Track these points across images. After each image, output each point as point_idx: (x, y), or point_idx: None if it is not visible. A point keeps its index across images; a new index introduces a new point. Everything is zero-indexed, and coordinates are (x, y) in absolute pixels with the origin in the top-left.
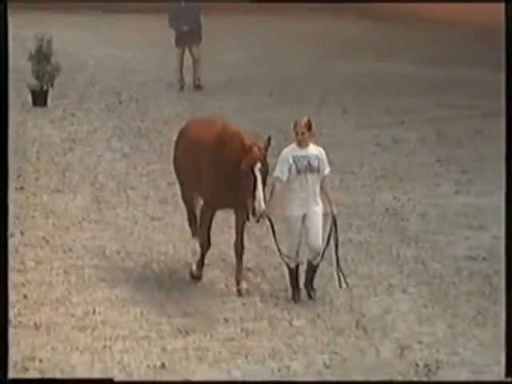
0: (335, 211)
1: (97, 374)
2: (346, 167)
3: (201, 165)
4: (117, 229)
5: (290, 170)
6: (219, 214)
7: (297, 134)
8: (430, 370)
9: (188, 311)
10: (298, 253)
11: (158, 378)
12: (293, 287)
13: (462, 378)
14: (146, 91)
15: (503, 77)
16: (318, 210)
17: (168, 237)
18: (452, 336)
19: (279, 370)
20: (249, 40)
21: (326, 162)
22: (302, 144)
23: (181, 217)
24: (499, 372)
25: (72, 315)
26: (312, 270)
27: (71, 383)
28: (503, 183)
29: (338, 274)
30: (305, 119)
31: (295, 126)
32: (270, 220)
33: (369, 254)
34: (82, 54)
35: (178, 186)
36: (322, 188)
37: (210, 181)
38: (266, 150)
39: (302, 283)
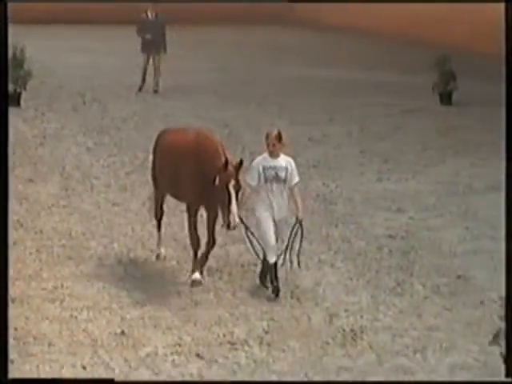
0: (301, 216)
1: (66, 340)
2: None
3: (179, 170)
4: (82, 213)
5: (259, 178)
6: (171, 199)
7: (268, 145)
8: (355, 334)
9: (144, 285)
10: (276, 249)
11: (119, 344)
12: (271, 282)
13: (383, 341)
14: (107, 93)
15: (420, 80)
16: (283, 215)
17: (127, 220)
18: (374, 304)
19: (224, 335)
20: (205, 49)
21: (294, 172)
22: (272, 154)
23: (138, 203)
24: (418, 335)
25: (43, 289)
26: (273, 268)
27: (71, 383)
28: (419, 169)
29: (297, 259)
30: (275, 131)
31: (267, 137)
32: (242, 222)
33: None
34: (52, 60)
35: (152, 186)
36: (291, 195)
37: (189, 186)
38: (239, 168)
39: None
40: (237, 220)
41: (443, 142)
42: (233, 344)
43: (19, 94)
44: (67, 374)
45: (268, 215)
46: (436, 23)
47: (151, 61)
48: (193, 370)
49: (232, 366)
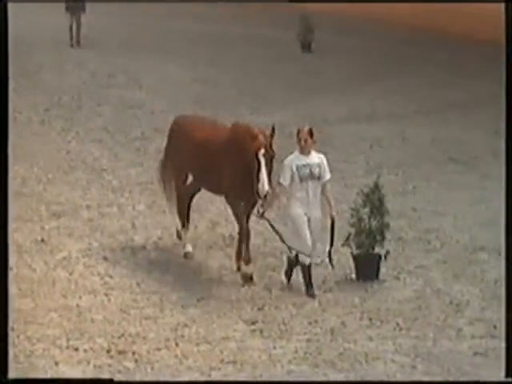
0: (334, 213)
1: None
2: None
3: (220, 165)
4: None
5: (292, 177)
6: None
7: (299, 141)
8: (233, 239)
9: (59, 200)
10: (312, 248)
11: (39, 249)
12: (306, 284)
13: (256, 244)
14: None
15: (289, 35)
16: (317, 214)
17: (46, 147)
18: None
19: (126, 241)
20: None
21: (326, 168)
22: (304, 151)
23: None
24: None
25: None
26: (306, 269)
27: (71, 383)
28: (284, 105)
29: (329, 259)
30: (307, 127)
31: (298, 133)
32: (269, 222)
33: None
34: None
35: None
36: (323, 192)
37: (230, 178)
38: (272, 137)
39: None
40: (266, 188)
41: (304, 82)
42: (133, 249)
43: None
44: None
45: (303, 213)
46: None
47: (75, 19)
48: (100, 270)
49: (132, 266)
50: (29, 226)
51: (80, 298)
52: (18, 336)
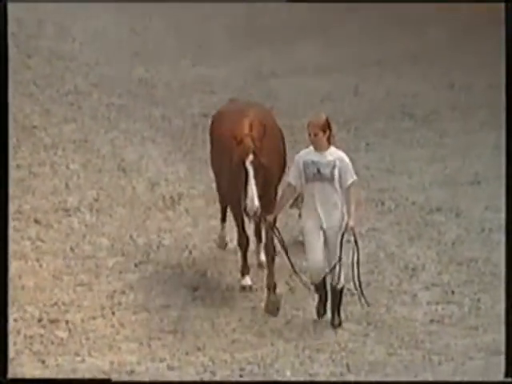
0: (352, 224)
1: None
2: None
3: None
4: None
5: (300, 176)
6: None
7: (309, 135)
8: (174, 200)
9: None
10: (323, 269)
11: None
12: (333, 311)
13: (198, 207)
14: None
15: None
16: (331, 225)
17: None
18: (191, 174)
19: (59, 202)
20: None
21: (347, 170)
22: (317, 147)
23: None
24: None
25: None
26: (334, 293)
27: (70, 383)
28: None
29: (358, 295)
30: (321, 118)
31: (308, 125)
32: (276, 230)
33: (125, 114)
34: None
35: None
36: (346, 198)
37: (220, 180)
38: (261, 140)
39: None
40: (256, 204)
41: (248, 31)
42: (67, 211)
43: None
44: None
45: (314, 224)
46: None
47: None
48: (31, 234)
49: (66, 229)
50: None
51: (9, 263)
52: None
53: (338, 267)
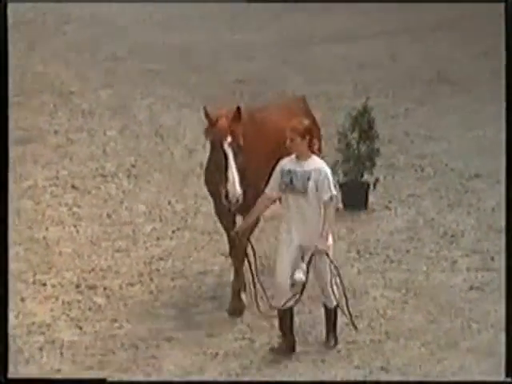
0: (321, 246)
1: None
2: None
3: None
4: None
5: (278, 185)
6: None
7: (287, 139)
8: None
9: (25, 125)
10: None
11: None
12: (328, 331)
13: None
14: None
15: None
16: (307, 243)
17: None
18: None
19: (97, 168)
20: None
21: (326, 183)
22: (298, 155)
23: None
24: None
25: None
26: (326, 313)
27: (67, 383)
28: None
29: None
30: (301, 122)
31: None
32: (248, 241)
33: (162, 80)
34: None
35: None
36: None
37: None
38: (238, 119)
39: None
40: (237, 189)
41: None
42: (104, 177)
43: None
44: None
45: (286, 239)
46: None
47: None
48: (69, 200)
49: (103, 195)
50: None
51: (47, 229)
52: None
53: (328, 287)
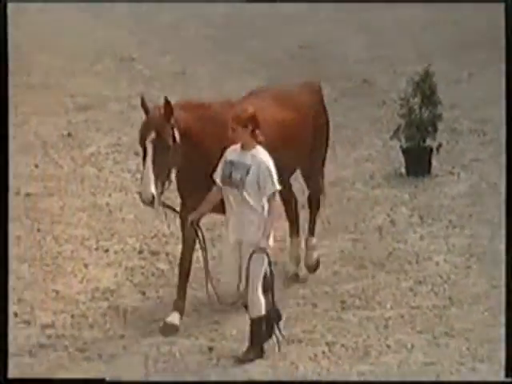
0: (264, 244)
1: (19, 142)
2: None
3: None
4: None
5: None
6: None
7: (230, 129)
8: None
9: (86, 92)
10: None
11: (66, 144)
12: (250, 340)
13: None
14: None
15: None
16: (243, 237)
17: None
18: None
19: None
20: None
21: (266, 177)
22: (243, 145)
23: None
24: None
25: None
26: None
27: (67, 383)
28: None
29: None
30: (244, 111)
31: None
32: (200, 230)
33: (223, 45)
34: None
35: None
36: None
37: None
38: (170, 114)
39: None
40: (150, 190)
41: None
42: None
43: None
44: (19, 170)
45: (229, 235)
46: None
47: None
48: (131, 167)
49: None
50: (53, 120)
51: (110, 195)
52: (43, 237)
53: (258, 292)
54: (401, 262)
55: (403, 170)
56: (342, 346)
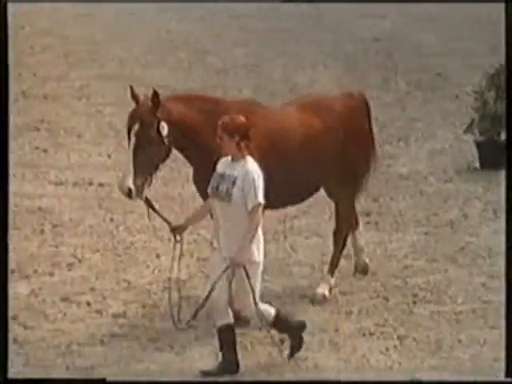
0: (239, 260)
1: (93, 132)
2: None
3: None
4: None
5: None
6: None
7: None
8: None
9: (160, 83)
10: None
11: None
12: (223, 353)
13: None
14: None
15: None
16: (231, 254)
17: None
18: None
19: None
20: None
21: (251, 190)
22: (232, 156)
23: None
24: (401, 126)
25: (71, 87)
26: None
27: (67, 383)
28: None
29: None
30: (233, 120)
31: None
32: (180, 239)
33: (296, 38)
34: None
35: None
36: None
37: None
38: (157, 106)
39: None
40: (126, 184)
41: None
42: None
43: None
44: (92, 160)
45: (217, 251)
46: None
47: None
48: None
49: None
50: (127, 110)
51: (182, 187)
52: (116, 227)
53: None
54: (473, 257)
55: (477, 164)
56: (414, 339)
